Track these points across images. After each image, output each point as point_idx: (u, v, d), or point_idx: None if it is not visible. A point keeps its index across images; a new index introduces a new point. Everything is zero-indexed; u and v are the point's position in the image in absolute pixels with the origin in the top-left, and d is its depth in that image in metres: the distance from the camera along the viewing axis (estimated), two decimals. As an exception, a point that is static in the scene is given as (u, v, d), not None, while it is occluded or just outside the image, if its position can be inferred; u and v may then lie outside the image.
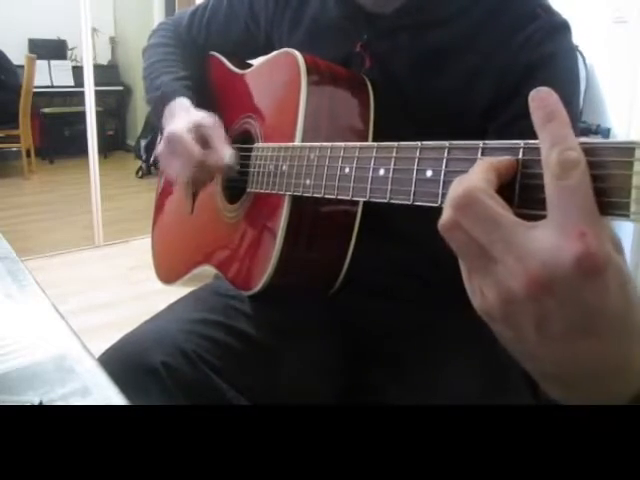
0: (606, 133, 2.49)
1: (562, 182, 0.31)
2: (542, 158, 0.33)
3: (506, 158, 0.36)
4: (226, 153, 0.73)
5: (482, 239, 0.33)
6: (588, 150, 0.33)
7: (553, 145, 0.32)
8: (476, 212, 0.33)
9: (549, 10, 0.63)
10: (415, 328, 0.73)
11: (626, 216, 0.31)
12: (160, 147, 0.76)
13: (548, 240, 0.31)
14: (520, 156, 0.37)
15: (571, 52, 0.65)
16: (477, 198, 0.33)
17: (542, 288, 0.31)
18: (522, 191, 0.36)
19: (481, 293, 0.34)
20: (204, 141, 0.74)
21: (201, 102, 0.84)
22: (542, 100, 0.34)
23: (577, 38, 0.65)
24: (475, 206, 0.33)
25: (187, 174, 0.74)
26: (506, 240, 0.32)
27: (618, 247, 0.32)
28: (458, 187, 0.34)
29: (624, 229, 2.39)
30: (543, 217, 0.33)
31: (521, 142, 0.37)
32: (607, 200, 0.32)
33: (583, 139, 0.34)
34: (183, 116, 0.78)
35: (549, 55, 0.61)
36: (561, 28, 0.63)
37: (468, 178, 0.34)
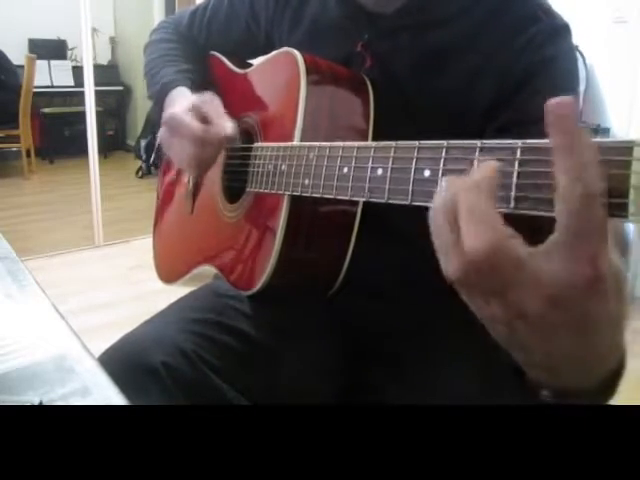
0: (606, 133, 2.49)
1: (582, 214, 0.31)
2: (562, 188, 0.32)
3: (487, 171, 0.35)
4: (226, 125, 0.71)
5: (504, 281, 0.33)
6: None
7: (577, 179, 0.31)
8: (504, 265, 0.33)
9: (550, 12, 0.63)
10: (415, 328, 0.73)
11: (624, 217, 0.31)
12: (161, 132, 0.75)
13: (561, 264, 0.32)
14: (518, 156, 0.37)
15: (571, 55, 0.65)
16: (504, 252, 0.33)
17: (553, 306, 0.33)
18: (519, 191, 0.36)
19: (488, 306, 0.35)
20: (203, 118, 0.73)
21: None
22: (563, 126, 0.32)
23: (577, 38, 0.65)
24: (503, 261, 0.33)
25: (190, 154, 0.72)
26: (527, 277, 0.33)
27: (618, 242, 0.33)
28: (478, 243, 0.33)
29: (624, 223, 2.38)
30: (539, 217, 0.33)
31: (519, 142, 0.37)
32: (605, 201, 0.31)
33: None
34: (181, 101, 0.77)
35: (550, 58, 0.61)
36: (562, 31, 0.63)
37: (490, 226, 0.33)
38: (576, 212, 0.31)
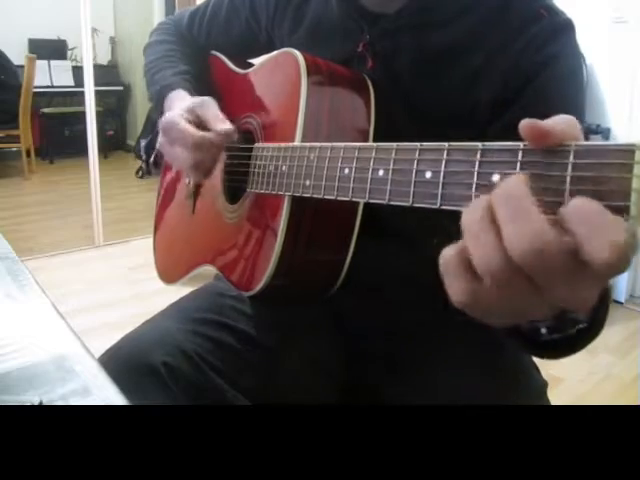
0: (606, 133, 2.49)
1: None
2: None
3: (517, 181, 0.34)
4: (222, 128, 0.71)
5: (541, 279, 0.32)
6: (587, 152, 0.33)
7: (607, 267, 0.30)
8: (549, 261, 0.31)
9: (552, 10, 0.63)
10: (415, 328, 0.73)
11: (626, 220, 0.31)
12: (159, 138, 0.75)
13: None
14: (519, 158, 0.37)
15: (575, 52, 0.65)
16: (551, 244, 0.31)
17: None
18: None
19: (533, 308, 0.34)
20: (200, 122, 0.73)
21: (201, 95, 0.84)
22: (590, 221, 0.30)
23: (577, 38, 0.65)
24: (549, 254, 0.31)
25: (188, 159, 0.72)
26: (571, 276, 0.31)
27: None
28: (519, 229, 0.31)
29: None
30: None
31: (520, 144, 0.37)
32: (606, 204, 0.31)
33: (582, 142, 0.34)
34: (179, 104, 0.77)
35: (552, 57, 0.61)
36: (564, 28, 0.63)
37: (531, 218, 0.31)
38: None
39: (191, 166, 0.72)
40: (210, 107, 0.73)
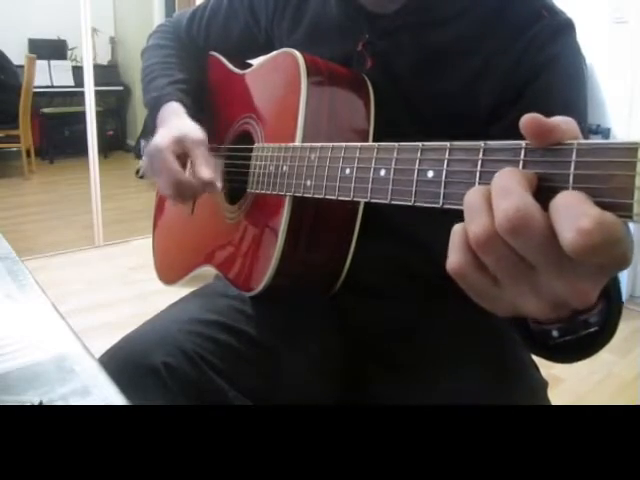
0: (606, 133, 2.49)
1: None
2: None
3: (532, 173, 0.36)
4: (204, 175, 0.71)
5: (533, 256, 0.34)
6: (590, 150, 0.33)
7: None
8: (532, 234, 0.33)
9: (553, 10, 0.63)
10: (415, 328, 0.73)
11: (629, 217, 0.31)
12: (144, 160, 0.77)
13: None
14: (522, 156, 0.36)
15: (575, 52, 0.65)
16: (535, 218, 0.32)
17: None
18: None
19: (525, 299, 0.36)
20: (185, 156, 0.74)
21: (198, 104, 0.84)
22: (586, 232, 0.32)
23: (577, 38, 0.65)
24: (535, 228, 0.32)
25: (168, 191, 0.73)
26: (558, 260, 0.33)
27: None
28: (505, 203, 0.33)
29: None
30: None
31: (523, 142, 0.37)
32: (610, 201, 0.31)
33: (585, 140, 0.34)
34: (169, 127, 0.77)
35: (553, 57, 0.61)
36: (565, 28, 0.63)
37: (517, 194, 0.33)
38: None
39: (169, 197, 0.75)
40: (199, 146, 0.74)
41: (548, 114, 0.35)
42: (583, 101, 0.65)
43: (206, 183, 0.72)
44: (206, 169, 0.72)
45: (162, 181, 0.73)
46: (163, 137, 0.74)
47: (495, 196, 0.34)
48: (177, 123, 0.78)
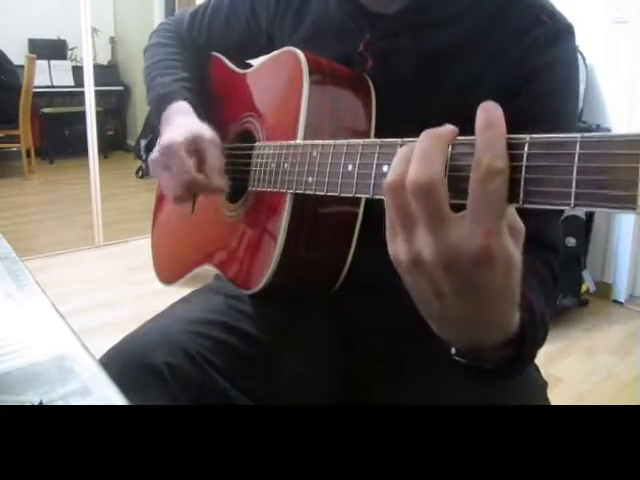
0: (606, 133, 2.48)
1: (485, 184, 0.35)
2: (474, 159, 0.36)
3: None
4: (217, 183, 0.73)
5: (420, 217, 0.38)
6: (593, 143, 0.33)
7: (486, 150, 0.36)
8: (431, 202, 0.37)
9: (553, 15, 0.63)
10: (415, 328, 0.73)
11: (632, 209, 0.31)
12: (154, 156, 0.75)
13: (462, 230, 0.37)
14: (525, 150, 0.37)
15: (573, 58, 0.66)
16: (438, 191, 0.37)
17: (443, 265, 0.37)
18: (526, 185, 0.36)
19: (396, 240, 0.40)
20: (199, 157, 0.73)
21: (201, 103, 0.84)
22: (487, 111, 0.38)
23: (577, 38, 0.65)
24: (433, 197, 0.37)
25: (173, 189, 0.73)
26: (437, 226, 0.37)
27: (516, 235, 0.38)
28: (425, 170, 0.37)
29: (625, 222, 2.39)
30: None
31: (527, 136, 0.37)
32: (613, 193, 0.32)
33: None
34: (180, 124, 0.77)
35: (551, 61, 0.62)
36: (564, 33, 0.63)
37: (435, 168, 0.37)
38: (481, 181, 0.35)
39: (174, 195, 0.74)
40: (214, 150, 0.74)
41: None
42: (573, 106, 0.66)
43: (217, 190, 0.73)
44: (219, 175, 0.73)
45: (171, 178, 0.72)
46: (179, 134, 0.73)
47: (414, 161, 0.38)
48: (188, 122, 0.78)
